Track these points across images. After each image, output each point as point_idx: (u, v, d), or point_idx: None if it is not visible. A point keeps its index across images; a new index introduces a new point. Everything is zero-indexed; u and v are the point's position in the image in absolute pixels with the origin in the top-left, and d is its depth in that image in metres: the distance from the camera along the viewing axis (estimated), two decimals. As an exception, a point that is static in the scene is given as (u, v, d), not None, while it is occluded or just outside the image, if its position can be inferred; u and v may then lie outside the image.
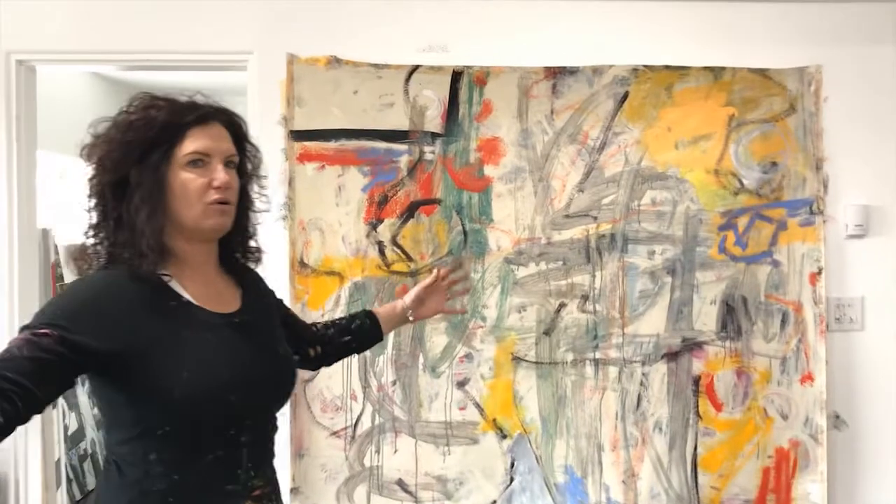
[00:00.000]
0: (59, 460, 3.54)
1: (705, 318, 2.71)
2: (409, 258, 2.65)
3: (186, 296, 1.36)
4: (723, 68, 2.69)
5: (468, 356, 2.66)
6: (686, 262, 2.70)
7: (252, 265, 1.53)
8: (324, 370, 2.56)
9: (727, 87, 2.70)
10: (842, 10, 2.72)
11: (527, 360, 2.68)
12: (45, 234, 3.13)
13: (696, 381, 2.71)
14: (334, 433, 2.63)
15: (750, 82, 2.70)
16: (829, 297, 2.72)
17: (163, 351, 1.27)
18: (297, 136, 2.61)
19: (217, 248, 1.46)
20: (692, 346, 2.70)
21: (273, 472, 1.47)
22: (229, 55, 2.66)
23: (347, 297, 2.63)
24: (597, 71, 2.67)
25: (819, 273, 2.70)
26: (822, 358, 2.69)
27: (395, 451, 2.64)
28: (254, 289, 1.52)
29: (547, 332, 2.68)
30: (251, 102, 2.64)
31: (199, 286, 1.39)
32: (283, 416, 2.51)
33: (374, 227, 2.64)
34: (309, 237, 2.62)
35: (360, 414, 2.64)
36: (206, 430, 1.30)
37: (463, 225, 2.64)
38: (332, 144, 2.61)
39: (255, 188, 1.51)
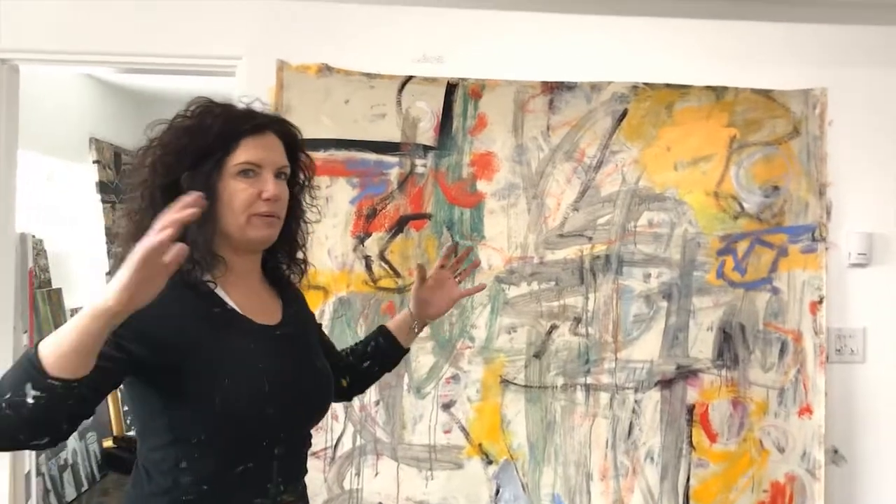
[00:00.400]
0: (28, 472, 3.44)
1: (701, 345, 2.62)
2: (397, 274, 2.56)
3: (231, 303, 1.35)
4: (725, 88, 2.62)
5: (455, 377, 2.57)
6: (683, 287, 2.61)
7: (297, 277, 1.51)
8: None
9: (729, 107, 2.62)
10: (849, 33, 2.65)
11: (515, 384, 2.58)
12: (24, 238, 3.05)
13: (691, 410, 2.61)
14: (313, 454, 2.53)
15: (753, 103, 2.63)
16: (829, 327, 2.63)
17: (205, 357, 1.27)
18: (285, 144, 2.53)
19: (260, 259, 1.45)
20: (687, 373, 2.61)
21: (304, 487, 1.44)
22: (217, 60, 2.58)
23: (332, 313, 2.54)
24: (595, 87, 2.59)
25: (820, 302, 2.62)
26: (822, 390, 2.60)
27: (377, 475, 2.55)
28: (294, 302, 1.50)
29: (537, 355, 2.59)
30: (239, 109, 2.56)
31: (243, 296, 1.38)
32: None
33: (361, 240, 2.56)
34: (293, 249, 2.53)
35: (341, 434, 2.54)
36: (240, 440, 1.29)
37: (453, 241, 2.56)
38: (320, 154, 2.53)
39: (308, 199, 1.50)
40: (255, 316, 1.37)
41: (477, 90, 2.57)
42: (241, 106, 1.39)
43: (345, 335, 2.53)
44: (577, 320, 2.60)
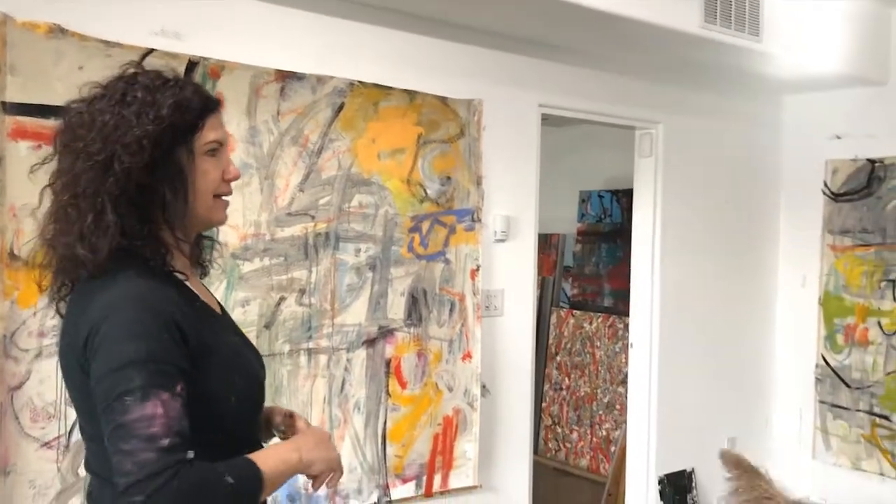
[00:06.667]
0: None
1: (396, 308, 3.10)
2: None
3: (200, 296, 1.33)
4: (416, 92, 3.11)
5: (193, 352, 2.62)
6: (384, 259, 3.05)
7: (214, 256, 1.52)
8: (35, 374, 2.32)
9: (418, 109, 3.12)
10: (498, 57, 3.36)
11: (248, 353, 2.74)
12: None
13: (388, 363, 3.08)
14: (45, 444, 2.35)
15: (434, 107, 3.17)
16: (482, 288, 3.33)
17: (218, 355, 1.27)
18: (10, 108, 2.28)
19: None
20: (386, 332, 3.07)
21: None
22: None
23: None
24: (321, 80, 2.86)
25: (477, 270, 3.30)
26: (479, 339, 3.29)
27: (114, 457, 2.47)
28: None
29: (267, 326, 2.78)
30: (-58, 62, 2.21)
31: (197, 285, 1.37)
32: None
33: (96, 216, 2.43)
34: (21, 225, 2.30)
35: (76, 421, 2.40)
36: (242, 440, 1.31)
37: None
38: (51, 122, 2.32)
39: None
40: (213, 306, 1.40)
41: (216, 70, 2.63)
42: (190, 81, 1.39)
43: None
44: (302, 291, 2.86)
